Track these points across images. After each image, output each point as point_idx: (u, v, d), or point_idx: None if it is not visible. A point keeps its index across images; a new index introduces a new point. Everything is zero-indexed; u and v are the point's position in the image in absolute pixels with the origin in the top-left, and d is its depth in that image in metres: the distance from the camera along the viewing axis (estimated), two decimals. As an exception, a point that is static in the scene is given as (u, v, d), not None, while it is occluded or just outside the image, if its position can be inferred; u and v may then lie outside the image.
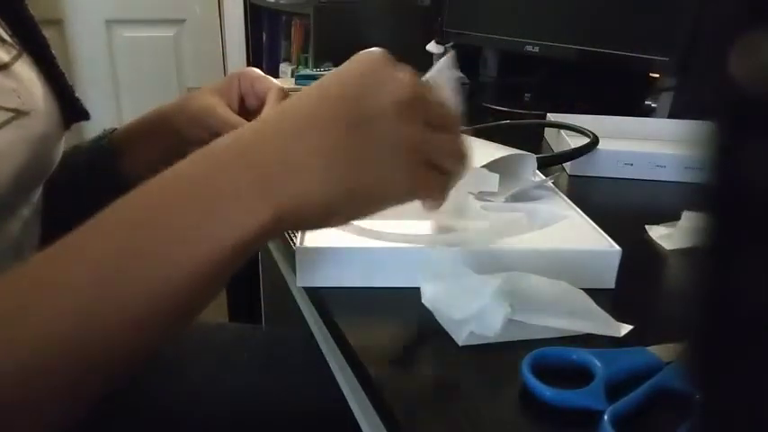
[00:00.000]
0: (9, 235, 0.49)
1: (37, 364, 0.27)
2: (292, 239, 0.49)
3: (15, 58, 0.48)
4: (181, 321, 0.32)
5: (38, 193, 0.53)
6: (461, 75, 0.44)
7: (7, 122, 0.44)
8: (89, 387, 0.30)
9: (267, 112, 0.33)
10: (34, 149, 0.47)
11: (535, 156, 0.57)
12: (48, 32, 0.54)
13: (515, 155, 0.57)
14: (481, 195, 0.54)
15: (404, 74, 0.32)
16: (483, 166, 0.54)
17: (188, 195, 0.30)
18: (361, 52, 0.34)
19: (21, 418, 0.28)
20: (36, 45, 0.51)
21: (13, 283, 0.29)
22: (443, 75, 0.40)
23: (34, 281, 0.29)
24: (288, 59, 2.01)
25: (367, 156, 0.31)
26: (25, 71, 0.49)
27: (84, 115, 0.55)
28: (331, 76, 0.33)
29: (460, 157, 0.35)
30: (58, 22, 1.90)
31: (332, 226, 0.34)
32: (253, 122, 0.33)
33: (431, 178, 0.34)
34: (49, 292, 0.28)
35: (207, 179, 0.30)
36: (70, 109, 0.54)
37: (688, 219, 0.54)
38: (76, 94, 0.54)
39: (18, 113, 0.45)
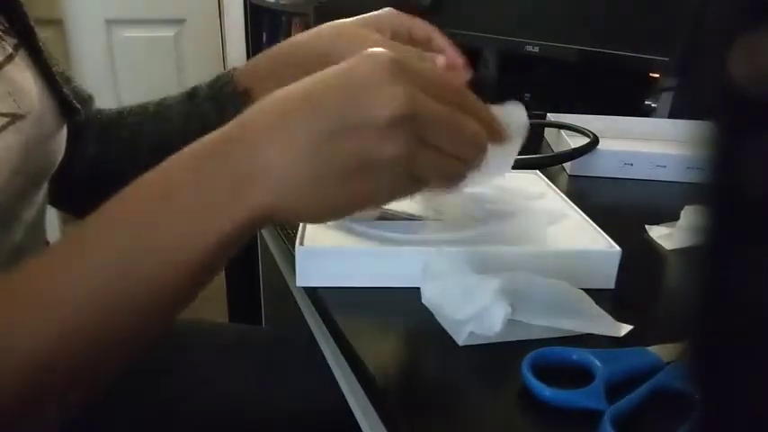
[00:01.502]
0: (12, 239, 0.48)
1: (59, 347, 0.30)
2: (292, 239, 0.49)
3: (10, 58, 0.47)
4: (175, 307, 0.33)
5: (41, 195, 0.53)
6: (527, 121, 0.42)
7: (4, 128, 0.43)
8: (103, 368, 0.33)
9: (250, 111, 0.33)
10: (33, 152, 0.47)
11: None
12: (48, 32, 0.54)
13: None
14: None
15: (401, 86, 0.30)
16: None
17: (175, 199, 0.32)
18: (366, 54, 0.32)
19: (46, 399, 0.31)
20: (31, 39, 0.51)
21: (31, 277, 0.32)
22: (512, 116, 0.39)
23: (48, 273, 0.31)
24: (288, 59, 2.00)
25: (340, 170, 0.31)
26: (20, 70, 0.48)
27: (74, 112, 0.55)
28: (321, 76, 0.32)
29: (449, 177, 0.34)
30: (58, 22, 1.89)
31: (308, 221, 0.36)
32: (233, 124, 0.32)
33: (406, 189, 0.33)
34: (65, 283, 0.31)
35: (187, 185, 0.32)
36: (64, 105, 0.53)
37: (688, 218, 0.54)
38: (65, 90, 0.54)
39: (15, 117, 0.45)
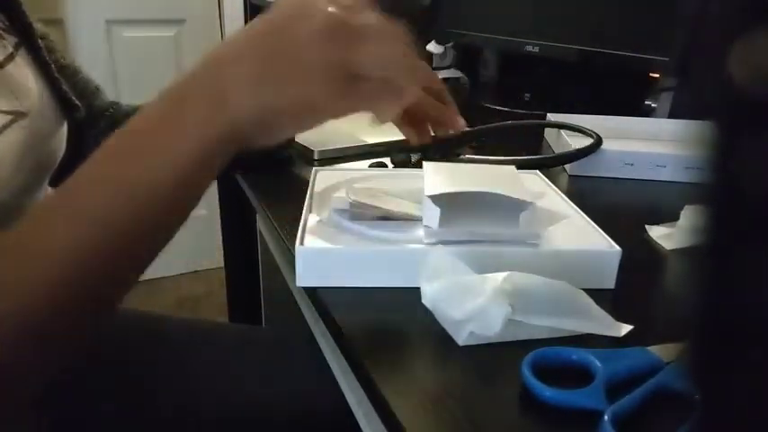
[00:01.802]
0: None
1: (68, 274, 0.32)
2: (292, 239, 0.49)
3: (11, 57, 0.48)
4: (168, 221, 0.37)
5: (43, 192, 0.53)
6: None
7: (7, 125, 0.44)
8: (111, 290, 0.36)
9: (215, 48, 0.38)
10: (35, 149, 0.47)
11: (529, 204, 0.48)
12: (48, 32, 0.54)
13: (503, 198, 0.48)
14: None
15: (328, 4, 0.36)
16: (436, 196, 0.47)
17: (156, 119, 0.36)
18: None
19: (59, 323, 0.33)
20: (30, 38, 0.51)
21: (45, 205, 0.36)
22: None
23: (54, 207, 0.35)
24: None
25: (288, 77, 0.36)
26: (21, 69, 0.48)
27: (75, 108, 0.55)
28: (263, 16, 0.37)
29: (395, 65, 0.38)
30: (58, 22, 1.89)
31: (277, 139, 0.38)
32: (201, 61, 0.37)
33: (361, 90, 0.37)
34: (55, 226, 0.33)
35: (169, 106, 0.36)
36: (64, 102, 0.54)
37: (688, 218, 0.54)
38: (65, 87, 0.54)
39: (17, 115, 0.45)
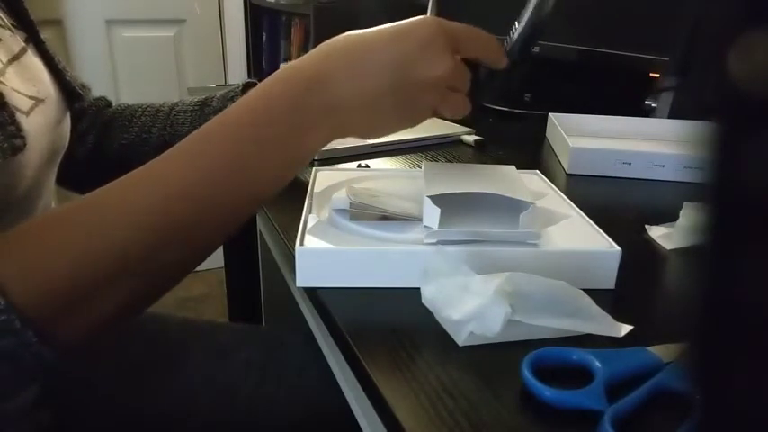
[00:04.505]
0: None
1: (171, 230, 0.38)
2: (292, 240, 0.49)
3: (24, 50, 0.50)
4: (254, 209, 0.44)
5: (54, 176, 0.55)
6: None
7: (32, 109, 0.46)
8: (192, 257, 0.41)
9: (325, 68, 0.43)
10: (51, 133, 0.50)
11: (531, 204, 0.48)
12: (48, 32, 0.56)
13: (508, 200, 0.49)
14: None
15: (449, 55, 0.45)
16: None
17: (276, 124, 0.41)
18: (420, 23, 0.45)
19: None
20: (34, 33, 0.54)
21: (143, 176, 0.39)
22: None
23: (160, 175, 0.39)
24: (288, 59, 2.01)
25: (395, 106, 0.44)
26: (33, 61, 0.51)
27: (77, 98, 0.57)
28: (386, 36, 0.44)
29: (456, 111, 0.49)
30: (58, 22, 1.90)
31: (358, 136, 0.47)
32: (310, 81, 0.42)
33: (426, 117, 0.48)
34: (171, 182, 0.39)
35: (293, 112, 0.41)
36: (68, 92, 0.56)
37: (687, 218, 0.54)
38: (68, 77, 0.57)
39: (37, 101, 0.47)
